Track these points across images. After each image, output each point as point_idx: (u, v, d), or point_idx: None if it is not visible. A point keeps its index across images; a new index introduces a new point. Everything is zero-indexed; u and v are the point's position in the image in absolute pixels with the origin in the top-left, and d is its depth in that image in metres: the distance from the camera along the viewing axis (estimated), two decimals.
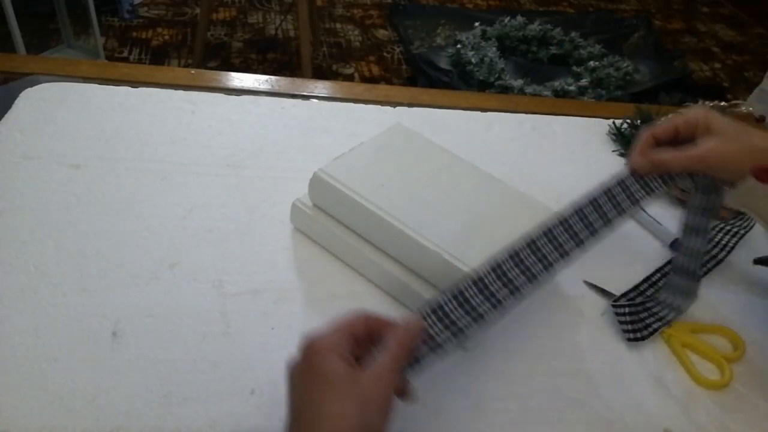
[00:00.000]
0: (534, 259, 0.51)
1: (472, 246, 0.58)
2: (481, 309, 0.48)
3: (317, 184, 0.63)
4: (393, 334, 0.42)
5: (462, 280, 0.49)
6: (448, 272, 0.57)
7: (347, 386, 0.38)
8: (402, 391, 0.45)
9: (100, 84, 0.84)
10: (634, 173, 0.57)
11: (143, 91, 0.84)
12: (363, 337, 0.43)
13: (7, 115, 0.76)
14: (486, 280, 0.49)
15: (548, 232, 0.53)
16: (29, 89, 0.80)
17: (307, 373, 0.40)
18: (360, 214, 0.61)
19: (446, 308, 0.47)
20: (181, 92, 0.85)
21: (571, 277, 0.68)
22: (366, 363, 0.41)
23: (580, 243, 0.53)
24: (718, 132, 0.54)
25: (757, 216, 0.57)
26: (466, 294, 0.48)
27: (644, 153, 0.56)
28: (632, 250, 0.73)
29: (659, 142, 0.56)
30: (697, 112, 0.57)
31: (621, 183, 0.57)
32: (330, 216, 0.64)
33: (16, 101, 0.78)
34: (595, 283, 0.67)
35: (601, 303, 0.66)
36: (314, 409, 0.38)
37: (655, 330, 0.62)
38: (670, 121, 0.57)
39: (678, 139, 0.56)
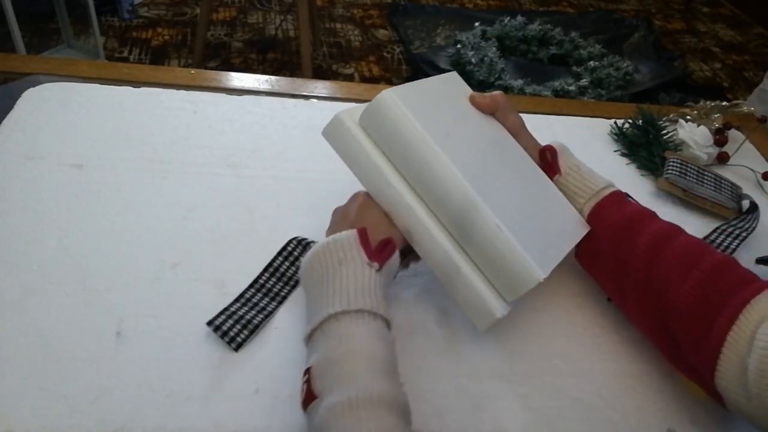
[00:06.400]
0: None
1: (531, 236, 0.55)
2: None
3: (381, 107, 0.55)
4: None
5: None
6: (503, 250, 0.53)
7: (377, 211, 0.56)
8: None
9: (101, 84, 0.84)
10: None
11: (145, 92, 0.84)
12: None
13: (9, 115, 0.76)
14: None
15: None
16: (31, 89, 0.80)
17: (350, 201, 0.58)
18: (421, 156, 0.54)
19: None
20: (182, 92, 0.85)
21: (577, 276, 0.68)
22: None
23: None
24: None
25: None
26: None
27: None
28: None
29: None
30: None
31: None
32: (376, 146, 0.57)
33: (18, 101, 0.78)
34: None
35: (606, 303, 0.66)
36: (347, 216, 0.56)
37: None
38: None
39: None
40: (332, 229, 0.56)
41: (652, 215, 0.62)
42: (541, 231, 0.58)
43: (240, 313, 0.58)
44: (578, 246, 0.62)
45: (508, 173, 0.60)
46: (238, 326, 0.57)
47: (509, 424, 0.54)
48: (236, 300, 0.59)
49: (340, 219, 0.57)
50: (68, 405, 0.49)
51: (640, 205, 0.64)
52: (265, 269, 0.62)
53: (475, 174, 0.55)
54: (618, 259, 0.60)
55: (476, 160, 0.57)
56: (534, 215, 0.59)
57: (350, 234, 0.51)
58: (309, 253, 0.52)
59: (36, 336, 0.54)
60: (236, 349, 0.55)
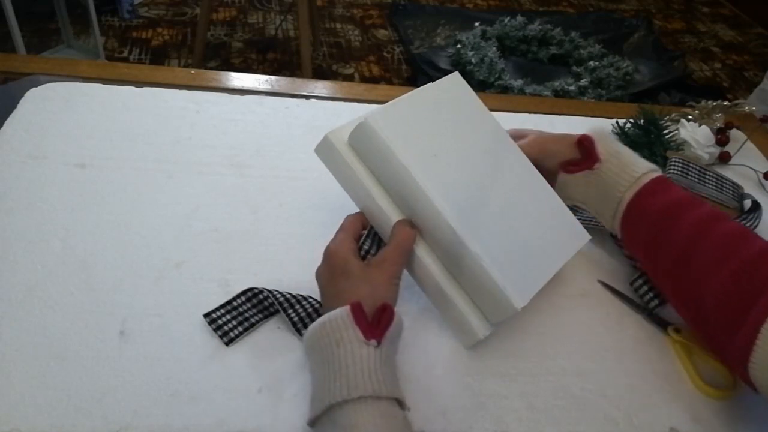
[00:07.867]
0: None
1: (515, 264, 0.56)
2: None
3: (365, 132, 0.56)
4: (393, 237, 0.56)
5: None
6: (484, 282, 0.55)
7: (360, 276, 0.53)
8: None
9: (102, 84, 0.84)
10: None
11: (148, 91, 0.84)
12: (361, 230, 0.59)
13: (12, 115, 0.76)
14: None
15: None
16: (34, 89, 0.80)
17: (329, 271, 0.55)
18: (405, 185, 0.55)
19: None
20: (185, 92, 0.85)
21: (581, 276, 0.68)
22: (375, 255, 0.57)
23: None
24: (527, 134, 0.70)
25: (584, 206, 0.67)
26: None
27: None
28: None
29: None
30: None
31: None
32: (363, 163, 0.58)
33: (22, 101, 0.78)
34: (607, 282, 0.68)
35: (609, 303, 0.66)
36: (337, 293, 0.52)
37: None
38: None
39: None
40: (324, 302, 0.55)
41: (698, 201, 0.61)
42: (528, 253, 0.58)
43: (240, 309, 0.58)
44: (619, 233, 0.63)
45: (500, 188, 0.60)
46: (234, 322, 0.57)
47: (513, 423, 0.54)
48: (238, 296, 0.59)
49: (326, 285, 0.55)
50: (73, 404, 0.50)
51: (684, 191, 0.62)
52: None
53: (460, 200, 0.56)
54: (657, 244, 0.60)
55: (465, 182, 0.58)
56: (523, 235, 0.59)
57: (343, 312, 0.49)
58: (309, 331, 0.51)
59: (41, 335, 0.54)
60: (227, 344, 0.55)
